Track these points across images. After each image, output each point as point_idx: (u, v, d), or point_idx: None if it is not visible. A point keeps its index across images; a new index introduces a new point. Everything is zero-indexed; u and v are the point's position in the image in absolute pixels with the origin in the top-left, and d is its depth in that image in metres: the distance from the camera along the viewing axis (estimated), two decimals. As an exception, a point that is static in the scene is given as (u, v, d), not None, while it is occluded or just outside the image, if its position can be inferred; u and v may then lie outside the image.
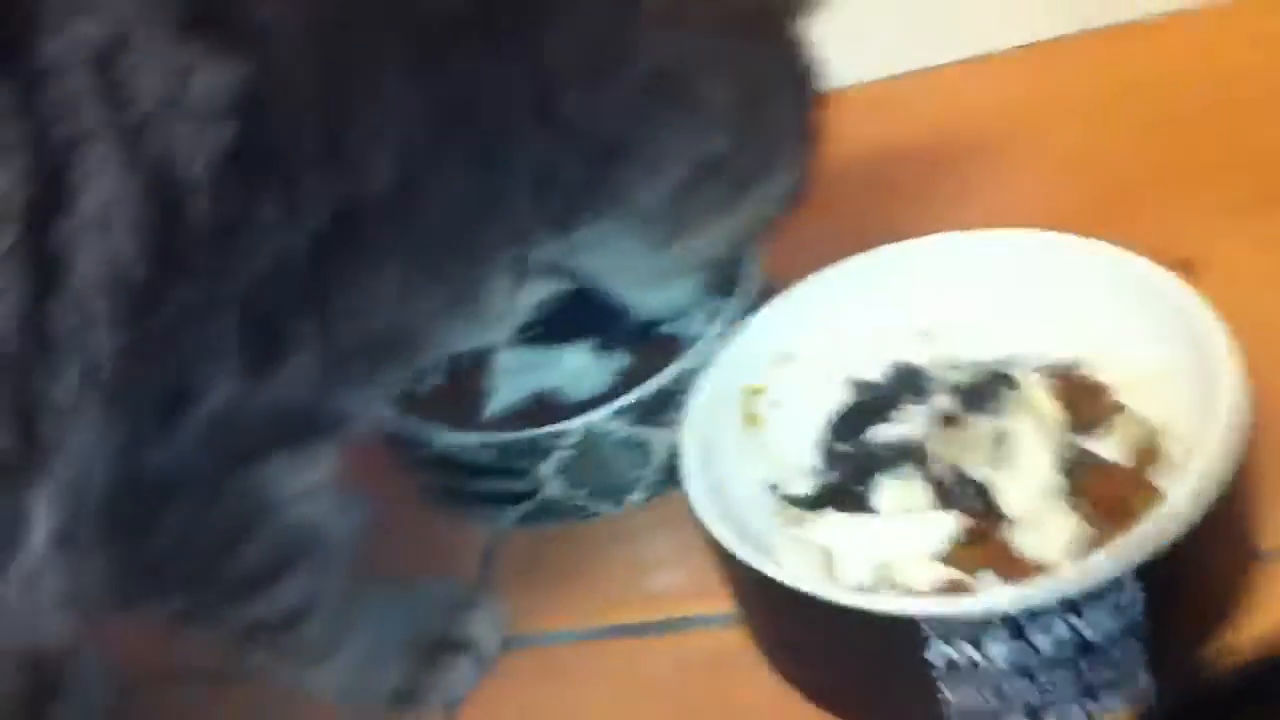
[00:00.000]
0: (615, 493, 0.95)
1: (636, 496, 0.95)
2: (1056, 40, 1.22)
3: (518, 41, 0.79)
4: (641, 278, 0.95)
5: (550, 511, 0.95)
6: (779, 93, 0.91)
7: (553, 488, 0.94)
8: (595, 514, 0.95)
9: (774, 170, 0.92)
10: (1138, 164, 1.08)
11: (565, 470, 0.93)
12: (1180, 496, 0.74)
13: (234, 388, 0.73)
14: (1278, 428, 0.80)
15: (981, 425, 0.84)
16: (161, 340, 0.70)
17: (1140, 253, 0.94)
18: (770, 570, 0.76)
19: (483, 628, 0.89)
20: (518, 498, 0.95)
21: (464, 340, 0.88)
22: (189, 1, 0.69)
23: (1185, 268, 0.95)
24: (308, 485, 0.79)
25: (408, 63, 0.76)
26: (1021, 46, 1.23)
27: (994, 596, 0.74)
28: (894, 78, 1.25)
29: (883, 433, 0.87)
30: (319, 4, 0.73)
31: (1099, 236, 0.95)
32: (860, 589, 0.79)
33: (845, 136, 1.16)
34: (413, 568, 0.94)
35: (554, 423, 0.94)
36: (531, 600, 0.91)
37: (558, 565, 0.94)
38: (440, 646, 0.87)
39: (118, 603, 0.75)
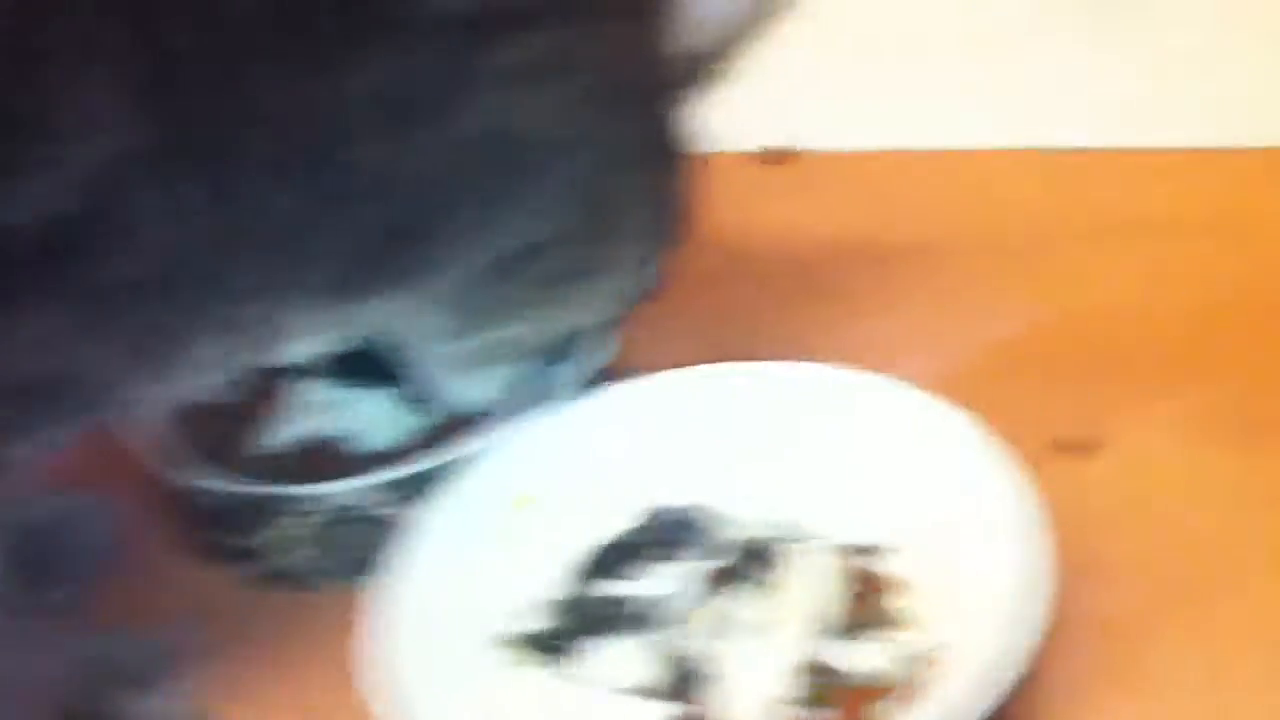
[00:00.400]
0: (364, 572, 0.83)
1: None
2: (1073, 151, 1.07)
3: (305, 65, 0.67)
4: (440, 361, 0.83)
5: (289, 577, 0.85)
6: (636, 178, 0.79)
7: (296, 553, 0.84)
8: (343, 591, 0.84)
9: (611, 266, 0.80)
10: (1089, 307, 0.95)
11: (304, 538, 0.83)
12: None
13: None
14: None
15: (731, 604, 0.72)
16: None
17: (1038, 420, 0.85)
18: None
19: (153, 707, 0.78)
20: (250, 555, 0.84)
21: (167, 396, 0.76)
22: None
23: (1083, 447, 0.84)
24: None
25: (133, 71, 0.65)
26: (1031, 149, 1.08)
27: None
28: (876, 151, 1.11)
29: (630, 587, 0.74)
30: None
31: (1010, 385, 0.87)
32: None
33: (785, 207, 1.06)
34: (120, 606, 0.84)
35: (326, 474, 0.83)
36: (236, 679, 0.81)
37: (279, 643, 0.83)
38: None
39: None
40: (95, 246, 0.66)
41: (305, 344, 0.79)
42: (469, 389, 0.84)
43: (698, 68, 0.83)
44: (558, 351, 0.85)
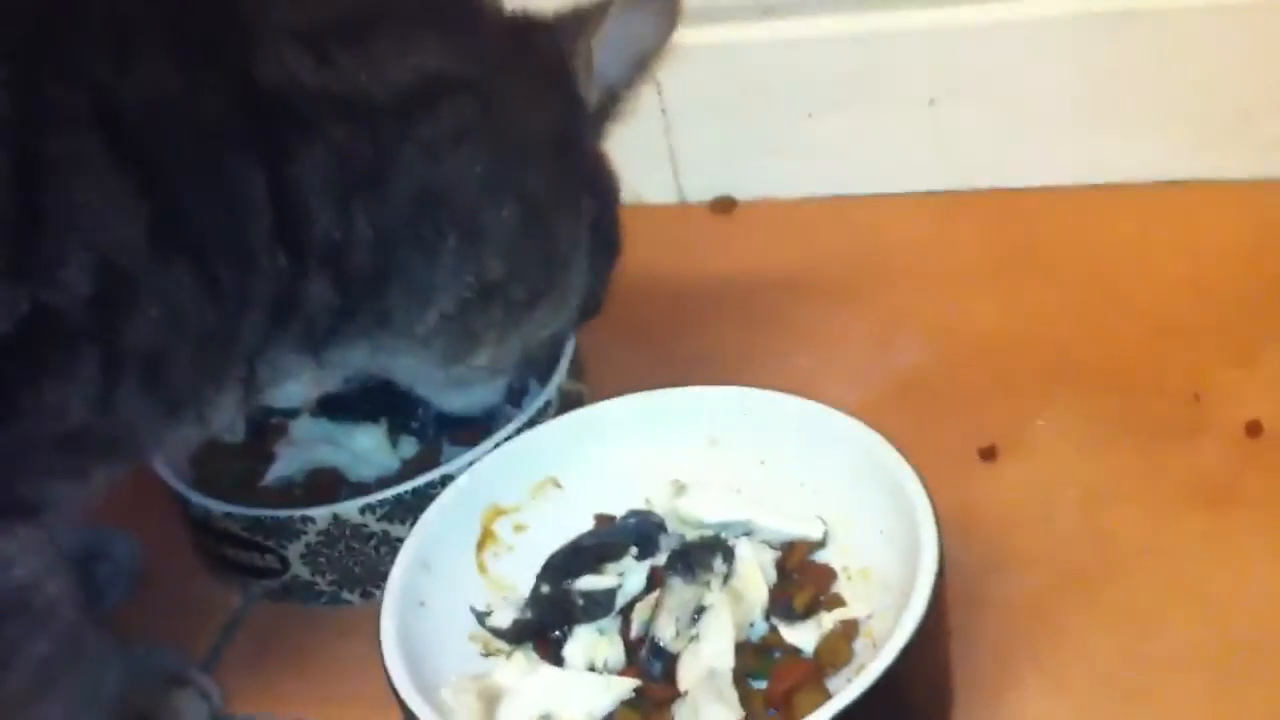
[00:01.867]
0: (364, 584, 0.95)
1: (389, 591, 0.96)
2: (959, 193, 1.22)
3: (255, 162, 0.79)
4: (432, 386, 0.96)
5: (296, 592, 0.96)
6: (566, 212, 0.91)
7: (300, 570, 0.95)
8: (346, 602, 0.96)
9: (562, 287, 0.92)
10: (990, 333, 1.08)
11: (313, 555, 0.94)
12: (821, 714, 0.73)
13: None
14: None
15: (685, 592, 0.84)
16: None
17: (944, 434, 0.96)
18: (410, 703, 0.77)
19: (189, 706, 0.89)
20: (266, 573, 0.96)
21: (194, 438, 0.88)
22: None
23: (985, 455, 0.96)
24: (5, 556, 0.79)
25: (116, 170, 0.76)
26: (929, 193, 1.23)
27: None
28: (809, 199, 1.25)
29: (596, 581, 0.86)
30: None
31: (917, 405, 1.00)
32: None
33: (736, 251, 1.19)
34: (153, 621, 0.95)
35: (329, 498, 0.95)
36: (257, 680, 0.93)
37: (293, 648, 0.95)
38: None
39: None
40: (113, 322, 0.77)
41: (306, 387, 0.91)
42: (465, 401, 0.97)
43: (608, 106, 0.94)
44: (525, 367, 0.97)
